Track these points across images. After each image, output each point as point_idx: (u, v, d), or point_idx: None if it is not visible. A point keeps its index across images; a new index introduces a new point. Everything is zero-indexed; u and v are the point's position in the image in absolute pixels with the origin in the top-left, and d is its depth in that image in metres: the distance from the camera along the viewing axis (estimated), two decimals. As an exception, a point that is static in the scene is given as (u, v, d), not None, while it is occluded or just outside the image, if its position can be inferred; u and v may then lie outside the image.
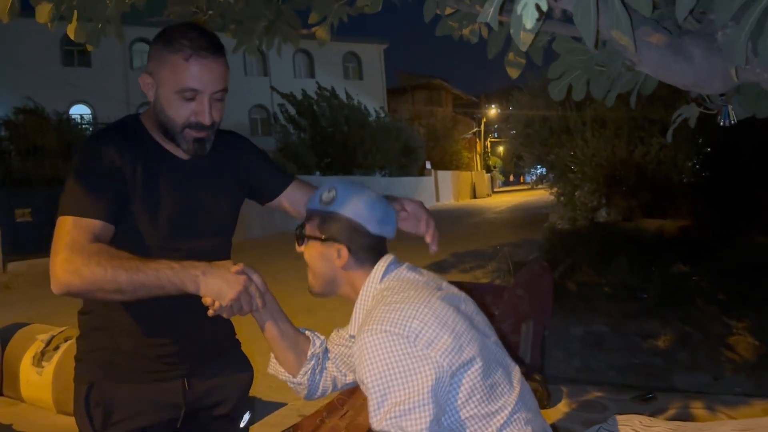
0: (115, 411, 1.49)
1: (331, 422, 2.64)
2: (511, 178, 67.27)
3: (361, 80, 34.32)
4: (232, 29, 2.45)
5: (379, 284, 1.40)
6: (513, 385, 1.33)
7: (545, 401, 3.04)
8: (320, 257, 1.43)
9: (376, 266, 1.42)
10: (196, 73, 1.43)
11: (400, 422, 1.17)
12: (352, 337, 1.42)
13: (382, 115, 27.72)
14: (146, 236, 1.47)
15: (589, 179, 8.74)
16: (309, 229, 1.45)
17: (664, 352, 4.23)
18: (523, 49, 1.06)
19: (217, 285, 1.34)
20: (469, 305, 1.41)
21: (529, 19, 0.76)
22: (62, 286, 1.30)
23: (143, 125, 1.54)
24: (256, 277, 1.41)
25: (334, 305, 5.23)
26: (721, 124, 1.78)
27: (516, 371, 1.38)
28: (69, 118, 16.49)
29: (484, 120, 45.21)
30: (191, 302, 1.37)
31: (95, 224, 1.36)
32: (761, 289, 5.03)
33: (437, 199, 31.54)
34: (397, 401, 1.18)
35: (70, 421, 2.66)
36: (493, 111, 43.60)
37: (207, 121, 1.46)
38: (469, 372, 1.25)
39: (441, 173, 33.01)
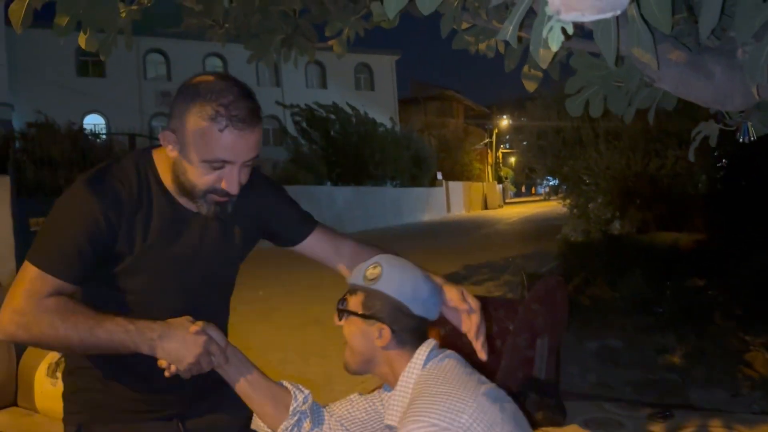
0: None
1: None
2: (524, 189, 67.05)
3: (373, 91, 34.43)
4: (249, 43, 2.47)
5: (421, 370, 1.32)
6: None
7: (560, 418, 3.01)
8: (360, 335, 1.37)
9: (418, 350, 1.35)
10: (229, 144, 1.28)
11: None
12: (390, 427, 1.35)
13: (393, 125, 27.75)
14: (139, 296, 1.38)
15: (603, 191, 8.69)
16: (351, 305, 1.39)
17: (680, 367, 4.17)
18: (544, 66, 1.06)
19: (174, 349, 1.26)
20: (512, 404, 1.35)
21: (555, 42, 0.76)
22: (6, 335, 1.24)
23: (155, 167, 1.40)
24: (215, 335, 1.32)
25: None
26: (741, 140, 1.76)
27: None
28: (81, 128, 16.63)
29: (496, 131, 45.16)
30: None
31: (60, 283, 1.27)
32: (779, 304, 4.96)
33: (448, 210, 31.46)
34: None
35: (83, 432, 2.65)
36: (504, 122, 43.56)
37: (234, 191, 1.33)
38: None
39: (452, 184, 32.95)
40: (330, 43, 2.44)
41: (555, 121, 9.62)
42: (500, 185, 47.64)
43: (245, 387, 1.43)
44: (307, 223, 1.63)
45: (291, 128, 24.31)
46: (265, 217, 1.57)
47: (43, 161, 12.55)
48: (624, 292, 5.81)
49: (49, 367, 3.11)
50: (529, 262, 9.10)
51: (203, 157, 1.29)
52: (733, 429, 3.01)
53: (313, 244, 1.62)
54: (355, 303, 1.38)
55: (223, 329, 1.52)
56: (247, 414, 1.56)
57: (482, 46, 1.89)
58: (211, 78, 1.32)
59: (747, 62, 1.29)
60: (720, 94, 1.42)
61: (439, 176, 31.19)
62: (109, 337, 1.24)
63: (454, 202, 32.88)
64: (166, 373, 1.29)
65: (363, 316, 1.35)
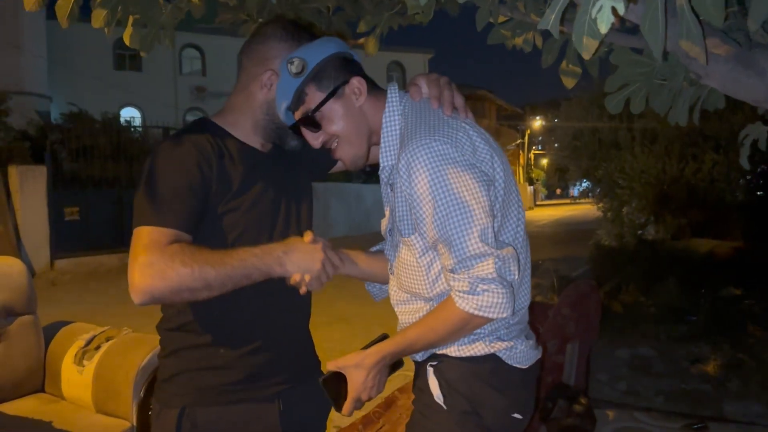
0: None
1: (367, 436, 2.59)
2: (558, 191, 66.15)
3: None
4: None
5: (400, 102, 1.38)
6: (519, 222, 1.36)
7: (590, 426, 2.93)
8: (343, 115, 1.38)
9: (388, 90, 1.40)
10: None
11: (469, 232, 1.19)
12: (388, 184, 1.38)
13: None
14: (233, 238, 1.41)
15: (638, 195, 8.49)
16: (311, 104, 1.37)
17: (714, 378, 4.06)
18: (587, 57, 1.00)
19: (302, 259, 1.35)
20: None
21: (605, 23, 0.71)
22: (143, 292, 1.22)
23: (218, 125, 1.50)
24: (324, 241, 1.43)
25: (373, 312, 5.19)
26: (791, 142, 1.68)
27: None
28: (116, 119, 16.87)
29: (528, 132, 44.73)
30: (281, 301, 1.41)
31: (174, 233, 1.29)
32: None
33: (478, 211, 31.25)
34: (457, 210, 1.20)
35: (109, 420, 2.67)
36: (537, 123, 43.13)
37: None
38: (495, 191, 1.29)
39: (482, 184, 32.70)
40: (361, 41, 2.40)
41: (591, 121, 9.45)
42: (531, 187, 47.18)
43: (367, 270, 1.54)
44: None
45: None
46: (314, 151, 1.68)
47: (78, 152, 12.77)
48: (657, 300, 5.69)
49: (75, 355, 3.14)
50: (560, 265, 8.96)
51: None
52: (770, 444, 2.91)
53: None
54: (312, 101, 1.37)
55: None
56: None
57: (519, 41, 1.83)
58: (284, 19, 1.56)
59: (803, 59, 1.21)
60: (772, 93, 1.35)
61: (470, 176, 30.97)
62: (241, 263, 1.29)
63: (483, 202, 32.61)
64: (302, 289, 1.38)
65: (330, 96, 1.36)
